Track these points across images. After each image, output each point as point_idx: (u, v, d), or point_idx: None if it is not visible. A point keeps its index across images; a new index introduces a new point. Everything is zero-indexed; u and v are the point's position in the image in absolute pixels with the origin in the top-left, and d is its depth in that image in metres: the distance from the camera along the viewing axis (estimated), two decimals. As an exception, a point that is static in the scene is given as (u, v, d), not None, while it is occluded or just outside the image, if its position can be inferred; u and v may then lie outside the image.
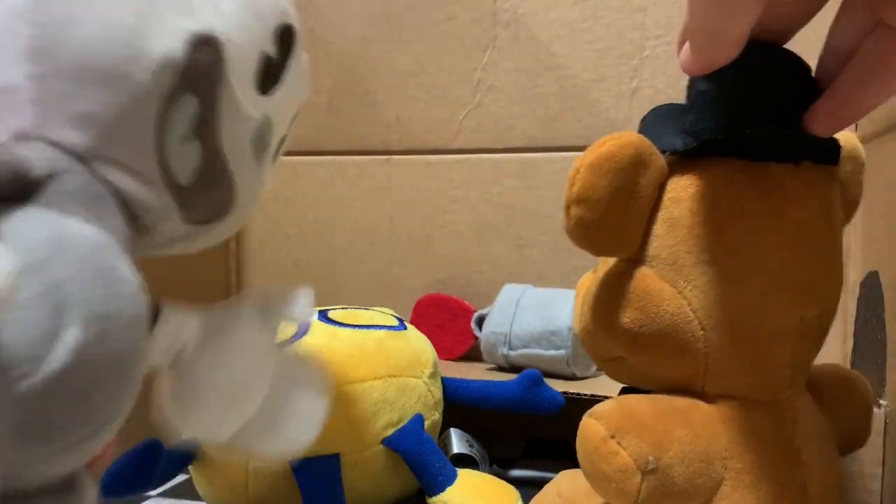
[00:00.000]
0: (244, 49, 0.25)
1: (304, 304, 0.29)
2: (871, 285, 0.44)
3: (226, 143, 0.25)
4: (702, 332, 0.30)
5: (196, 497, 0.46)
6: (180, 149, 0.24)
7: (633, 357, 0.32)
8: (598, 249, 0.32)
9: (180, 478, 0.50)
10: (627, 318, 0.31)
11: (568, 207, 0.30)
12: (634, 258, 0.31)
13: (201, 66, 0.23)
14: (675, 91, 0.62)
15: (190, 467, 0.44)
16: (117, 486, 0.38)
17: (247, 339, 0.27)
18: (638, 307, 0.31)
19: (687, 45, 0.28)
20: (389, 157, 0.71)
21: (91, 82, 0.22)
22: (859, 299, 0.46)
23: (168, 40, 0.22)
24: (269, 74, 0.26)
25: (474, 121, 0.68)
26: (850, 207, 0.34)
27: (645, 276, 0.31)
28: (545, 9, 0.66)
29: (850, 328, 0.48)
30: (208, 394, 0.26)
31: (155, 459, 0.40)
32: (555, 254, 0.66)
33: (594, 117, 0.64)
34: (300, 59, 0.28)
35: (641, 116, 0.69)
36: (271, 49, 0.26)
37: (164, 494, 0.50)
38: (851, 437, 0.35)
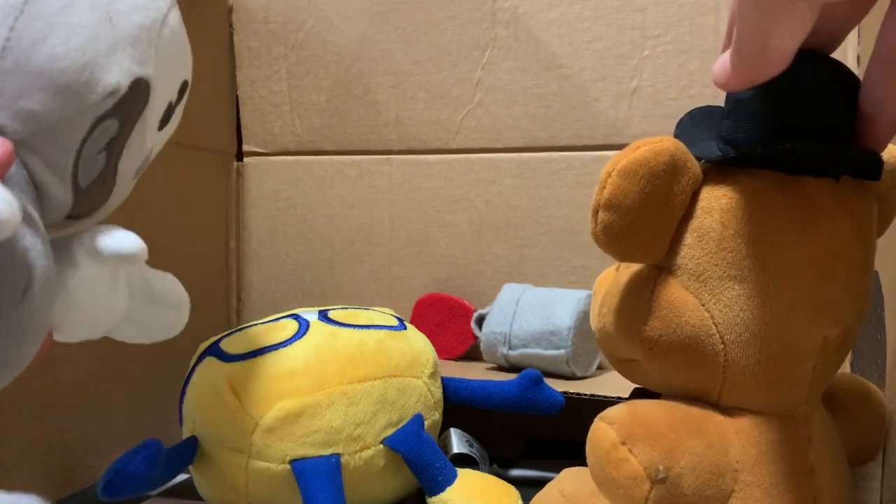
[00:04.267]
0: (163, 95, 0.31)
1: (123, 238, 0.32)
2: (870, 285, 0.44)
3: (122, 163, 0.31)
4: (722, 346, 0.29)
5: (196, 497, 0.46)
6: (92, 158, 0.29)
7: (649, 363, 0.32)
8: (625, 256, 0.31)
9: (180, 478, 0.50)
10: (648, 326, 0.31)
11: (596, 212, 0.29)
12: (660, 265, 0.31)
13: (133, 101, 0.29)
14: (676, 91, 0.62)
15: (190, 467, 0.44)
16: (117, 486, 0.38)
17: (86, 276, 0.31)
18: (660, 317, 0.30)
19: (724, 59, 0.27)
20: (389, 157, 0.71)
21: (45, 89, 0.26)
22: (859, 299, 0.46)
23: (119, 77, 0.28)
24: (167, 116, 0.33)
25: (474, 120, 0.68)
26: (885, 222, 0.33)
27: (669, 286, 0.30)
28: (545, 8, 0.66)
29: (850, 328, 0.48)
30: (65, 317, 0.31)
31: (155, 459, 0.40)
32: (555, 254, 0.66)
33: (594, 117, 0.64)
34: (183, 103, 0.35)
35: (641, 116, 0.69)
36: (174, 98, 0.33)
37: (164, 494, 0.50)
38: (863, 449, 0.35)
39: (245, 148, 0.74)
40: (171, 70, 0.32)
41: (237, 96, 0.74)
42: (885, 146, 0.29)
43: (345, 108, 0.71)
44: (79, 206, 0.30)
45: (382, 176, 0.71)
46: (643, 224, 0.29)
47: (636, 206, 0.28)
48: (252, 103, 0.74)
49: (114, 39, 0.28)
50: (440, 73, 0.69)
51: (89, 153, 0.29)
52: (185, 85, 0.34)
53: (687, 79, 0.61)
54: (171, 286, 0.37)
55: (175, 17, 0.31)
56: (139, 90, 0.29)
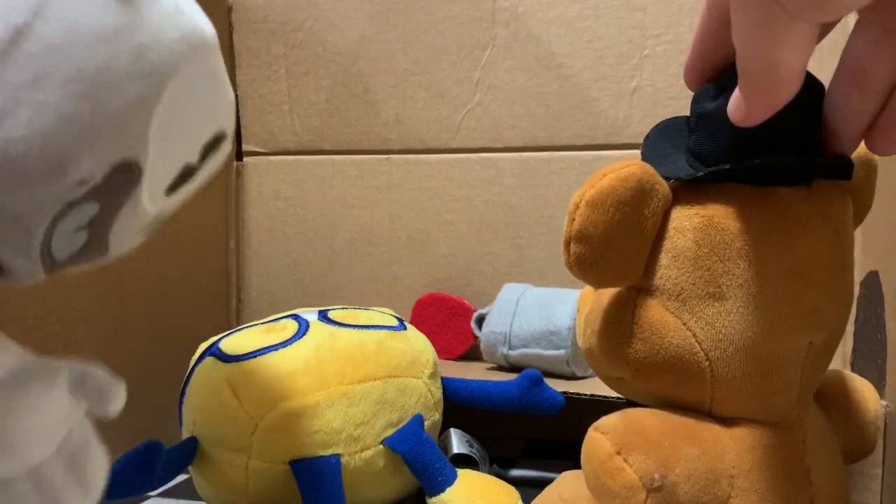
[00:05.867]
0: (165, 168, 0.25)
1: (117, 400, 0.28)
2: (871, 285, 0.44)
3: (114, 234, 0.26)
4: (708, 363, 0.29)
5: (196, 497, 0.46)
6: (69, 236, 0.24)
7: (637, 383, 0.32)
8: (601, 283, 0.31)
9: (180, 478, 0.50)
10: (632, 349, 0.30)
11: (567, 244, 0.29)
12: (638, 286, 0.31)
13: (115, 186, 0.24)
14: (675, 90, 0.62)
15: (190, 467, 0.44)
16: (117, 487, 0.38)
17: (48, 402, 0.26)
18: (642, 338, 0.30)
19: (736, 96, 0.26)
20: (389, 157, 0.71)
21: (1, 172, 0.22)
22: (859, 299, 0.46)
23: (91, 166, 0.23)
24: (185, 180, 0.27)
25: (474, 120, 0.68)
26: (861, 214, 0.33)
27: (649, 307, 0.30)
28: (545, 7, 0.66)
29: (850, 328, 0.48)
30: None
31: (155, 459, 0.40)
32: (555, 253, 0.66)
33: (594, 116, 0.64)
34: (221, 155, 0.29)
35: (641, 115, 0.69)
36: (194, 159, 0.27)
37: (164, 494, 0.50)
38: (858, 446, 0.35)
39: (244, 147, 0.74)
40: (185, 134, 0.26)
41: (236, 96, 0.74)
42: (850, 155, 0.29)
43: (345, 107, 0.71)
44: (62, 270, 0.26)
45: (382, 176, 0.71)
46: (616, 252, 0.29)
47: (607, 235, 0.28)
48: (251, 103, 0.74)
49: (92, 123, 0.23)
50: (440, 72, 0.68)
51: (64, 232, 0.24)
52: (217, 138, 0.27)
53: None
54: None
55: (196, 67, 0.25)
56: (123, 174, 0.24)
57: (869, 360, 0.44)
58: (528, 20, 0.66)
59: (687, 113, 0.33)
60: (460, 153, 0.69)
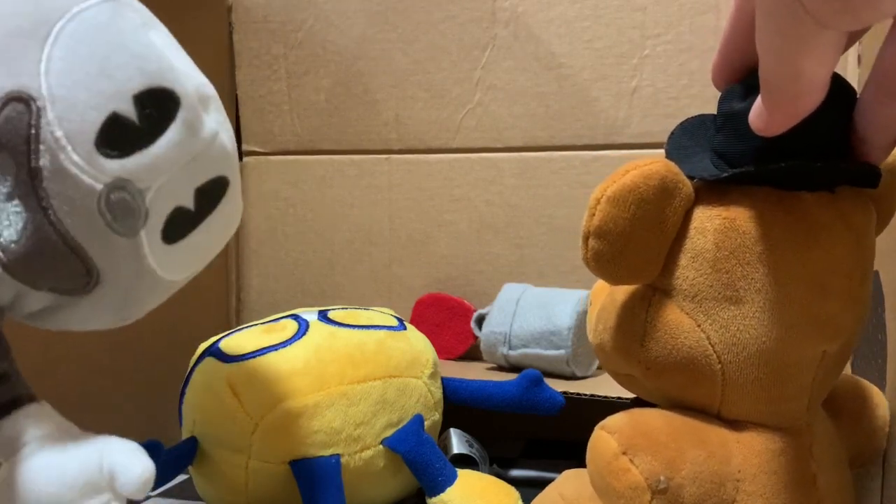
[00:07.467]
0: (77, 108, 0.24)
1: (139, 485, 0.29)
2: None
3: (58, 206, 0.25)
4: (720, 366, 0.29)
5: (196, 497, 0.46)
6: (4, 208, 0.24)
7: (647, 381, 0.32)
8: (617, 280, 0.31)
9: (180, 478, 0.50)
10: (644, 347, 0.30)
11: (586, 238, 0.29)
12: (654, 284, 0.31)
13: (11, 123, 0.24)
14: (675, 90, 0.62)
15: (190, 467, 0.44)
16: (117, 487, 0.38)
17: (66, 466, 0.27)
18: (655, 338, 0.30)
19: (758, 104, 0.26)
20: (389, 157, 0.71)
21: None
22: (859, 299, 0.46)
23: None
24: (125, 136, 0.26)
25: (474, 120, 0.68)
26: (884, 221, 0.32)
27: (664, 307, 0.30)
28: (545, 7, 0.66)
29: (851, 328, 0.48)
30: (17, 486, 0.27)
31: (155, 459, 0.40)
32: (555, 253, 0.66)
33: (594, 116, 0.64)
34: (197, 124, 0.28)
35: (641, 115, 0.69)
36: (128, 110, 0.25)
37: (164, 494, 0.50)
38: (865, 452, 0.34)
39: (244, 147, 0.74)
40: (92, 72, 0.25)
41: (236, 96, 0.74)
42: (879, 164, 0.28)
43: (344, 107, 0.71)
44: (35, 274, 0.25)
45: (382, 175, 0.71)
46: (634, 249, 0.28)
47: (626, 232, 0.28)
48: (251, 103, 0.74)
49: None
50: (440, 72, 0.68)
51: None
52: (152, 93, 0.26)
53: (687, 78, 0.61)
54: None
55: (99, 12, 0.25)
56: (14, 106, 0.24)
57: (869, 360, 0.44)
58: (528, 20, 0.66)
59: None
60: (460, 153, 0.69)
